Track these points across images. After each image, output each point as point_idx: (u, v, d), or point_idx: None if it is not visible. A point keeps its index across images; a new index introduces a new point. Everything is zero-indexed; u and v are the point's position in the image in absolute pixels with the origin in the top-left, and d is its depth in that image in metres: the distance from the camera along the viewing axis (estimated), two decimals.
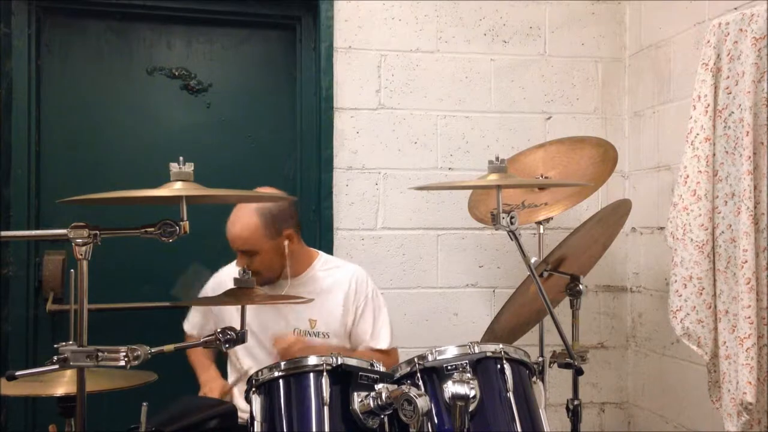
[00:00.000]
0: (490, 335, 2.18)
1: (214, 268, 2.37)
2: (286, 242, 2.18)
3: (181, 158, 1.42)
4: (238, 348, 2.18)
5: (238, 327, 1.57)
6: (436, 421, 1.56)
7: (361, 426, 1.55)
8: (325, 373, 1.57)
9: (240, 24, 2.85)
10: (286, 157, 2.86)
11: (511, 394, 1.60)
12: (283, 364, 1.65)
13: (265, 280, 2.17)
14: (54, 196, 2.36)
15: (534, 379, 1.73)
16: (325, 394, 1.55)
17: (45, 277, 2.61)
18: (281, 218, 2.16)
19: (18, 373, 1.38)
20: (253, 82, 2.89)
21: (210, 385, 2.20)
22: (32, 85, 2.64)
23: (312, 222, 2.77)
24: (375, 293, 2.30)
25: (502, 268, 2.86)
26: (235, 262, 2.31)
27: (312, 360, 1.61)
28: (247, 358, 2.20)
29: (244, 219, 2.12)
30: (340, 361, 1.58)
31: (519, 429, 1.57)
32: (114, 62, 2.75)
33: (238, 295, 1.61)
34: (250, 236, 2.11)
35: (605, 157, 2.40)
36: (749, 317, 2.01)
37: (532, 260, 1.77)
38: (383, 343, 2.25)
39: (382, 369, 1.66)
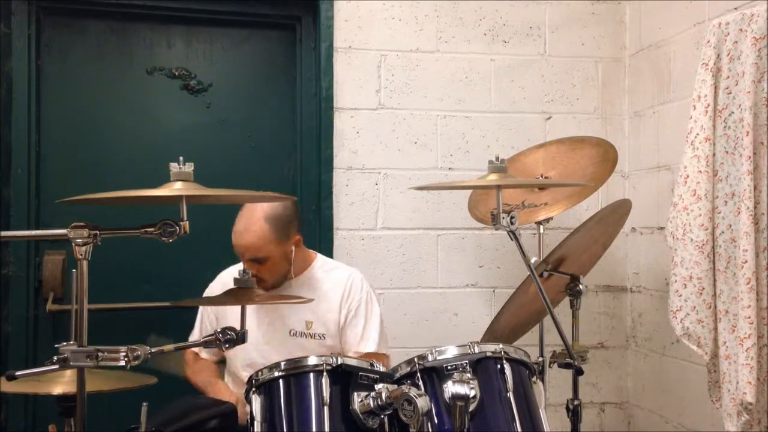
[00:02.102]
0: (490, 335, 2.18)
1: (214, 267, 2.37)
2: (293, 248, 2.16)
3: (181, 158, 1.42)
4: (237, 359, 2.18)
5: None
6: (436, 421, 1.56)
7: (361, 426, 1.55)
8: (325, 373, 1.57)
9: (240, 24, 2.85)
10: (286, 157, 2.86)
11: (511, 394, 1.60)
12: (283, 364, 1.65)
13: (270, 285, 2.16)
14: (54, 196, 2.35)
15: (534, 379, 1.73)
16: (325, 394, 1.55)
17: (45, 277, 2.61)
18: (288, 222, 2.13)
19: (18, 373, 1.38)
20: (253, 82, 2.89)
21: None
22: (32, 85, 2.64)
23: (312, 222, 2.77)
24: (369, 297, 2.26)
25: (502, 268, 2.86)
26: (236, 266, 2.29)
27: (312, 360, 1.61)
28: (249, 369, 2.17)
29: (254, 226, 2.08)
30: (340, 361, 1.58)
31: (519, 429, 1.57)
32: (114, 62, 2.75)
33: (238, 295, 1.61)
34: (262, 244, 2.08)
35: (605, 157, 2.40)
36: (749, 317, 2.01)
37: (532, 260, 1.77)
38: (370, 347, 2.19)
39: (382, 369, 1.66)
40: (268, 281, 2.14)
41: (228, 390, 2.20)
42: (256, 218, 2.09)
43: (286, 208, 2.14)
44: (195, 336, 2.31)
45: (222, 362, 2.33)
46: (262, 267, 2.10)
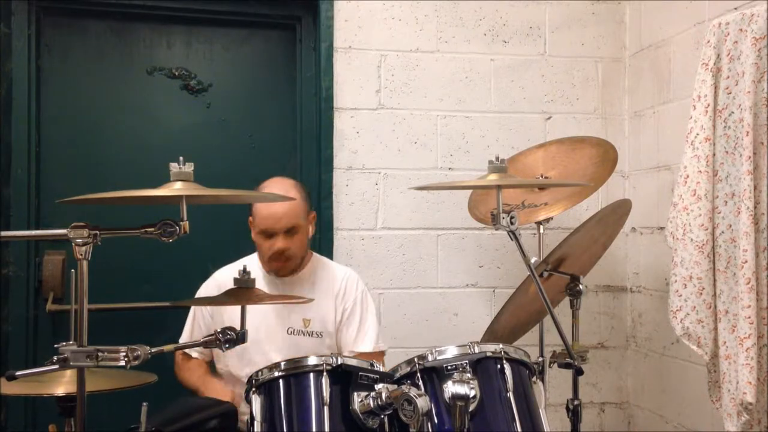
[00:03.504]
0: (490, 335, 2.18)
1: (214, 268, 2.37)
2: (310, 227, 2.24)
3: (181, 158, 1.42)
4: (234, 357, 2.17)
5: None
6: (436, 421, 1.56)
7: (361, 426, 1.55)
8: (325, 373, 1.57)
9: (240, 24, 2.85)
10: (286, 157, 2.86)
11: (511, 394, 1.60)
12: (283, 364, 1.65)
13: (293, 265, 2.20)
14: (54, 196, 2.36)
15: (534, 379, 1.73)
16: (325, 394, 1.55)
17: (45, 277, 2.61)
18: (308, 195, 2.26)
19: (18, 373, 1.38)
20: (253, 82, 2.89)
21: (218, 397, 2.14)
22: (32, 85, 2.64)
23: None
24: (364, 296, 2.28)
25: (502, 268, 2.86)
26: (231, 265, 2.29)
27: (312, 360, 1.61)
28: (246, 367, 2.17)
29: (290, 193, 2.12)
30: (340, 361, 1.58)
31: (519, 429, 1.57)
32: (114, 62, 2.75)
33: (238, 295, 1.60)
34: (299, 210, 2.14)
35: (605, 157, 2.40)
36: (749, 317, 2.01)
37: (532, 260, 1.77)
38: (367, 346, 2.21)
39: (382, 369, 1.66)
40: (297, 255, 2.18)
41: (223, 387, 2.19)
42: (286, 186, 2.18)
43: (303, 186, 2.27)
44: (185, 336, 2.29)
45: (210, 363, 2.31)
46: (293, 239, 2.14)
